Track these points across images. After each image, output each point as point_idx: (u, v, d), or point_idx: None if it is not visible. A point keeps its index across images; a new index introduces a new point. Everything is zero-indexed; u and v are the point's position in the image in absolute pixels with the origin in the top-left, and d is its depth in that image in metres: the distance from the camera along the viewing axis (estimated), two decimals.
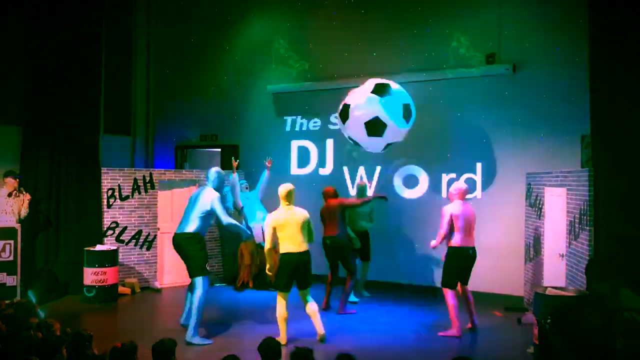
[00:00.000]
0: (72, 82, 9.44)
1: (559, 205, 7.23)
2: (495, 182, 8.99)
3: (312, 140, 10.54)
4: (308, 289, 6.87)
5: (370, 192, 9.67)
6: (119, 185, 9.63)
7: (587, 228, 6.34)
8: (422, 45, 9.58)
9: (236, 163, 9.38)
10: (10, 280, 8.21)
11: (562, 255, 7.09)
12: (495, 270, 8.69)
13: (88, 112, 9.69)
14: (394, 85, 7.85)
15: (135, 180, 9.77)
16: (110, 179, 9.59)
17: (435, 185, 9.42)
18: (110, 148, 10.61)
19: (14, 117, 9.46)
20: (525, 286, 8.45)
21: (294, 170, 10.65)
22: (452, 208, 7.11)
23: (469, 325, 7.31)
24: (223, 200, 7.23)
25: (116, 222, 9.57)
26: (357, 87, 9.89)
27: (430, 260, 9.22)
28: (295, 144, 10.70)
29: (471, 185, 9.04)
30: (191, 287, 7.00)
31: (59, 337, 4.73)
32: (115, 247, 9.24)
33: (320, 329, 6.80)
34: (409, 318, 7.99)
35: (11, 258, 8.23)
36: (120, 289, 9.21)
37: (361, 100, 7.73)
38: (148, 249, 9.84)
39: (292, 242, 6.69)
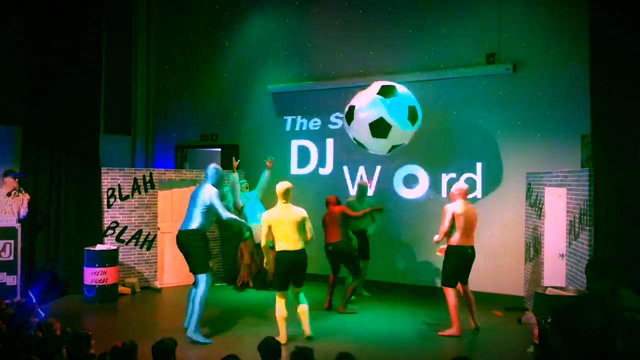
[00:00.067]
0: (72, 82, 9.44)
1: (559, 205, 7.23)
2: (495, 182, 8.99)
3: (312, 140, 10.55)
4: (302, 288, 6.91)
5: (370, 192, 9.69)
6: (119, 185, 9.63)
7: (587, 228, 6.34)
8: (422, 45, 9.58)
9: (237, 163, 9.39)
10: (11, 280, 8.21)
11: (562, 255, 7.09)
12: (495, 270, 8.70)
13: (88, 112, 9.69)
14: (400, 88, 7.86)
15: (135, 180, 9.77)
16: (110, 178, 9.60)
17: (435, 185, 9.42)
18: (110, 148, 10.62)
19: (14, 117, 9.47)
20: (525, 286, 8.45)
21: (294, 170, 10.65)
22: (454, 206, 7.14)
23: (473, 325, 7.31)
24: (222, 197, 7.22)
25: (116, 222, 9.58)
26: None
27: (430, 260, 9.22)
28: (295, 144, 10.71)
29: (471, 185, 9.04)
30: (196, 284, 7.00)
31: (59, 337, 4.74)
32: (115, 247, 9.25)
33: (307, 329, 6.85)
34: (409, 318, 7.99)
35: (11, 258, 8.24)
36: (121, 288, 9.21)
37: (366, 101, 7.75)
38: (148, 248, 9.85)
39: (287, 241, 6.70)
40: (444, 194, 9.23)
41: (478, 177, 9.09)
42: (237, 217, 7.39)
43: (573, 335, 5.31)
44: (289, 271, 6.73)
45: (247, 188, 9.90)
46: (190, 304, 7.06)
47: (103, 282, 8.79)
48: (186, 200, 7.40)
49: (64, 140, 9.38)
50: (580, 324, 5.44)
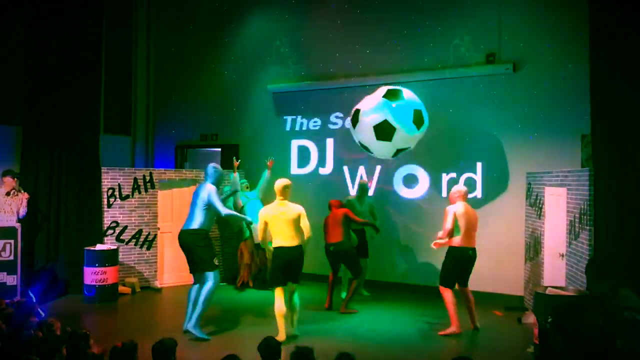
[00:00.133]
0: (72, 82, 9.44)
1: (559, 205, 7.23)
2: (495, 182, 9.00)
3: (312, 139, 10.55)
4: (296, 286, 6.97)
5: (370, 192, 9.70)
6: (119, 185, 9.63)
7: (587, 228, 6.35)
8: (423, 45, 9.58)
9: (237, 163, 9.40)
10: (11, 280, 8.21)
11: (562, 255, 7.09)
12: (495, 270, 8.70)
13: (88, 112, 9.69)
14: (407, 92, 7.88)
15: (136, 179, 9.77)
16: (110, 178, 9.60)
17: (435, 185, 9.42)
18: (110, 148, 10.63)
19: (15, 117, 9.47)
20: (525, 286, 8.45)
21: (294, 170, 10.65)
22: (456, 207, 7.16)
23: (472, 326, 7.31)
24: (221, 194, 7.27)
25: (116, 222, 9.58)
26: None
27: (430, 259, 9.23)
28: (295, 144, 10.71)
29: (471, 185, 9.06)
30: (202, 281, 7.04)
31: (59, 337, 4.74)
32: (115, 247, 9.25)
33: (291, 328, 6.90)
34: (409, 318, 7.99)
35: (11, 257, 8.24)
36: (121, 288, 9.21)
37: (372, 105, 7.78)
38: (148, 248, 9.85)
39: (283, 237, 6.77)
40: (444, 193, 9.23)
41: (478, 177, 9.09)
42: (236, 213, 7.50)
43: (573, 335, 5.31)
44: (285, 267, 6.78)
45: (247, 188, 9.90)
46: (190, 305, 7.08)
47: (103, 281, 8.79)
48: (186, 200, 7.46)
49: (64, 140, 9.38)
50: (580, 324, 5.44)
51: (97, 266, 8.78)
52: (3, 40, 9.52)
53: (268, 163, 9.55)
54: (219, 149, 11.58)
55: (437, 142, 9.31)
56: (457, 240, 7.12)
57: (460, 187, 7.56)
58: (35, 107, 9.30)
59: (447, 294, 7.15)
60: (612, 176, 6.23)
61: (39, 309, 6.70)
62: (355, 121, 7.94)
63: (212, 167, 7.25)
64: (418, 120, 7.69)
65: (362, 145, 8.05)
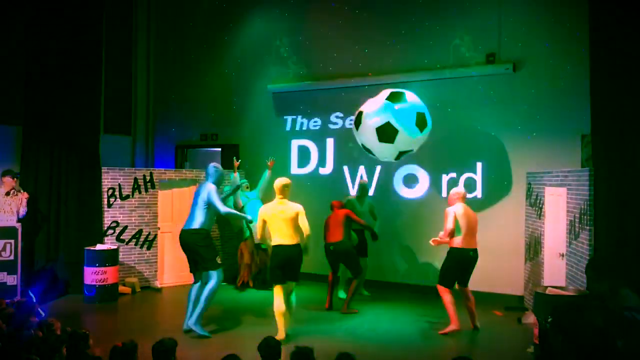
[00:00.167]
0: (72, 82, 9.44)
1: (559, 204, 7.23)
2: (495, 182, 9.00)
3: (313, 139, 10.55)
4: (294, 284, 6.99)
5: (370, 192, 9.70)
6: (119, 185, 9.63)
7: (587, 228, 6.35)
8: (422, 45, 9.58)
9: (237, 163, 9.41)
10: (11, 280, 8.22)
11: (562, 255, 7.09)
12: (495, 270, 8.70)
13: (88, 112, 9.69)
14: (410, 94, 7.89)
15: (136, 179, 9.77)
16: (110, 178, 9.60)
17: (435, 185, 9.42)
18: (110, 147, 10.62)
19: (14, 117, 9.46)
20: (525, 286, 8.45)
21: (294, 169, 10.65)
22: (455, 208, 7.18)
23: (472, 326, 7.32)
24: (221, 193, 7.30)
25: (116, 222, 9.58)
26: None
27: (431, 259, 9.23)
28: (295, 144, 10.71)
29: (471, 185, 9.06)
30: (205, 280, 7.08)
31: (59, 337, 4.73)
32: (115, 247, 9.25)
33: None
34: (409, 318, 7.99)
35: (12, 257, 8.24)
36: (121, 288, 9.21)
37: (375, 107, 7.80)
38: (148, 248, 9.85)
39: (281, 235, 6.80)
40: (444, 193, 9.23)
41: (478, 177, 9.09)
42: (235, 211, 7.56)
43: (573, 335, 5.31)
44: (284, 265, 6.80)
45: (247, 188, 9.90)
46: (190, 304, 7.11)
47: (103, 281, 8.79)
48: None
49: (64, 140, 9.39)
50: (580, 324, 5.44)
51: (97, 266, 8.78)
52: (3, 40, 9.52)
53: (269, 163, 9.55)
54: (219, 149, 11.58)
55: (437, 142, 9.29)
56: (458, 241, 7.13)
57: (459, 189, 7.60)
58: (35, 107, 9.30)
59: (446, 294, 7.18)
60: (612, 176, 6.23)
61: (39, 309, 6.70)
62: (358, 123, 7.96)
63: (213, 166, 7.30)
64: (421, 123, 7.69)
65: (364, 147, 8.06)
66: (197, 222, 7.05)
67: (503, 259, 8.73)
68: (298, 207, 6.86)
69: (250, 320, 7.78)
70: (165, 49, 12.21)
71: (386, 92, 7.91)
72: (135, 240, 9.71)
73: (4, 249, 8.22)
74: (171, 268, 10.03)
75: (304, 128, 10.65)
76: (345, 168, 10.19)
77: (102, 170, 9.56)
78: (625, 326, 5.19)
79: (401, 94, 7.81)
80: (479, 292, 7.98)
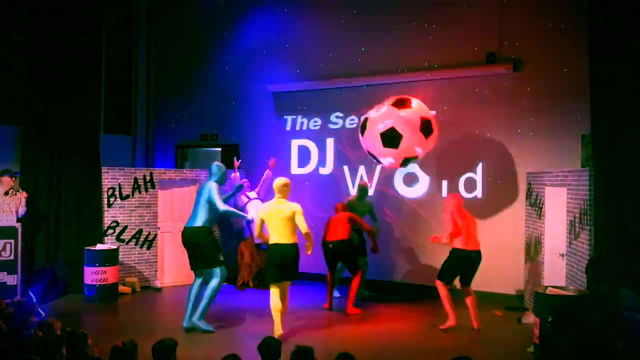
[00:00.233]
0: (73, 82, 9.45)
1: (559, 204, 7.23)
2: (495, 182, 9.00)
3: (313, 139, 10.55)
4: (289, 283, 7.02)
5: (370, 192, 9.69)
6: (119, 185, 9.63)
7: (587, 227, 6.35)
8: (422, 45, 9.57)
9: (238, 162, 9.41)
10: (11, 280, 8.22)
11: (562, 255, 7.09)
12: (496, 270, 8.68)
13: (88, 112, 9.70)
14: (415, 101, 7.90)
15: (136, 179, 9.77)
16: (110, 178, 9.60)
17: (435, 184, 9.42)
18: (110, 147, 10.62)
19: (14, 117, 9.46)
20: (525, 286, 8.45)
21: (294, 169, 10.65)
22: (452, 211, 7.25)
23: (472, 325, 7.32)
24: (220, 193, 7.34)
25: (116, 222, 9.58)
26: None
27: (431, 259, 9.22)
28: (295, 144, 10.71)
29: (471, 185, 9.06)
30: (208, 277, 7.16)
31: (59, 337, 4.73)
32: (115, 247, 9.25)
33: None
34: (409, 317, 7.99)
35: (12, 257, 8.24)
36: (121, 288, 9.21)
37: (380, 112, 7.81)
38: (148, 248, 9.85)
39: (278, 234, 6.82)
40: (444, 193, 9.23)
41: (478, 177, 9.09)
42: (234, 210, 7.62)
43: (573, 335, 5.31)
44: (280, 264, 6.82)
45: (248, 187, 9.90)
46: (190, 302, 7.17)
47: (103, 281, 8.79)
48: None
49: (64, 140, 9.39)
50: (581, 323, 5.44)
51: (98, 266, 8.78)
52: (3, 40, 9.52)
53: (270, 163, 9.55)
54: (219, 149, 11.58)
55: (437, 142, 9.30)
56: (459, 243, 7.19)
57: (454, 194, 7.72)
58: (35, 107, 9.30)
59: (442, 289, 7.29)
60: (612, 176, 6.23)
61: (39, 309, 6.70)
62: (363, 129, 7.99)
63: (216, 165, 7.40)
64: (425, 129, 7.68)
65: (369, 153, 8.08)
66: (200, 219, 7.13)
67: (503, 259, 8.73)
68: (295, 207, 6.87)
69: (251, 320, 7.78)
70: (165, 49, 12.19)
71: (392, 98, 7.96)
72: (135, 240, 9.71)
73: (4, 248, 8.21)
74: (171, 268, 10.03)
75: (304, 128, 10.64)
76: (346, 168, 10.19)
77: (102, 170, 9.57)
78: (625, 326, 5.19)
79: (407, 100, 7.84)
80: (479, 292, 7.97)
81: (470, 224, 7.25)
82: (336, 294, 8.70)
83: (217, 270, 7.13)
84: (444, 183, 9.33)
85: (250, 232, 9.57)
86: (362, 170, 10.01)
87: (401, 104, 7.76)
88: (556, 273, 7.22)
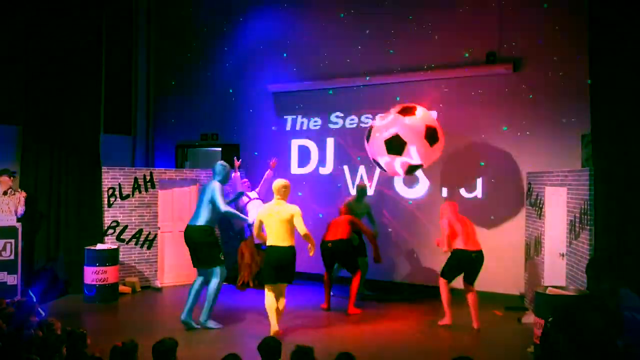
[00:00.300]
0: (72, 82, 9.45)
1: (559, 204, 7.23)
2: (495, 182, 9.00)
3: (313, 139, 10.54)
4: (285, 285, 7.02)
5: (371, 192, 9.69)
6: (119, 184, 9.64)
7: (588, 227, 6.35)
8: (422, 44, 9.57)
9: (238, 162, 9.42)
10: (11, 279, 8.22)
11: (562, 255, 7.10)
12: (495, 270, 8.68)
13: (88, 111, 9.70)
14: (421, 109, 7.93)
15: (136, 179, 9.77)
16: (110, 178, 9.60)
17: (435, 185, 9.42)
18: (110, 147, 10.62)
19: (14, 117, 9.46)
20: (525, 286, 8.45)
21: (294, 169, 10.65)
22: (448, 216, 7.38)
23: (473, 325, 7.33)
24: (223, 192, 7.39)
25: (117, 221, 9.58)
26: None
27: (431, 259, 9.23)
28: (295, 143, 10.70)
29: (471, 185, 9.06)
30: (208, 276, 7.22)
31: (60, 336, 4.73)
32: (115, 246, 9.26)
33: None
34: (409, 317, 7.99)
35: (12, 257, 8.24)
36: (121, 288, 9.22)
37: (385, 120, 7.86)
38: (149, 248, 9.85)
39: (275, 236, 6.84)
40: (444, 193, 9.23)
41: (478, 177, 9.08)
42: (235, 211, 7.69)
43: (573, 335, 5.31)
44: (276, 266, 6.84)
45: (248, 187, 9.91)
46: (190, 297, 7.27)
47: (103, 281, 8.79)
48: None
49: (64, 140, 9.39)
50: (581, 323, 5.44)
51: (98, 266, 8.78)
52: (3, 40, 9.52)
53: (271, 163, 9.56)
54: (219, 149, 11.58)
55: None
56: (459, 244, 7.26)
57: (449, 201, 7.84)
58: (35, 107, 9.30)
59: (443, 286, 7.40)
60: (612, 176, 6.23)
61: (39, 309, 6.70)
62: (368, 136, 8.03)
63: (221, 164, 7.50)
64: (430, 137, 7.69)
65: (375, 161, 8.10)
66: (202, 218, 7.19)
67: (503, 258, 8.73)
68: (294, 209, 6.87)
69: (251, 320, 7.78)
70: (165, 49, 12.20)
71: (398, 106, 8.01)
72: (135, 239, 9.71)
73: (4, 248, 8.22)
74: (171, 268, 10.03)
75: (304, 128, 10.64)
76: (346, 168, 10.19)
77: (102, 170, 9.57)
78: (625, 326, 5.19)
79: (412, 107, 7.89)
80: (479, 292, 7.96)
81: (469, 227, 7.36)
82: (333, 291, 8.71)
83: (217, 270, 7.20)
84: (444, 183, 9.31)
85: (251, 233, 9.58)
86: (362, 170, 10.00)
87: (406, 111, 7.80)
88: (556, 273, 7.22)
